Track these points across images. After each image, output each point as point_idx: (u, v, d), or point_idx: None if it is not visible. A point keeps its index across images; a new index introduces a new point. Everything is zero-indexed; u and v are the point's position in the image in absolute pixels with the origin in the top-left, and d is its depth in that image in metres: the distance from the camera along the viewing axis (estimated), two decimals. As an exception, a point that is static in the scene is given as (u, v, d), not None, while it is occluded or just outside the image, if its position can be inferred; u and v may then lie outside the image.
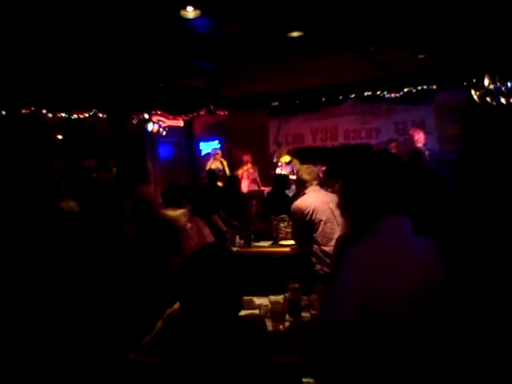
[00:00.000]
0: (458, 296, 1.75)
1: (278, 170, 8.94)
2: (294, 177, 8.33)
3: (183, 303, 2.07)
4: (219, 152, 10.00)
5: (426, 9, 4.76)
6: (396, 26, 5.18)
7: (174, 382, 1.99)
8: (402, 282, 1.59)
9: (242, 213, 6.71)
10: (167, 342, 2.13)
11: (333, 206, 4.25)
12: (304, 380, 2.42)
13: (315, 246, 4.33)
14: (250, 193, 8.78)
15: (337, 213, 4.18)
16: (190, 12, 4.34)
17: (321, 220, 4.32)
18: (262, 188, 9.00)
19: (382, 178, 1.68)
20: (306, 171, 4.59)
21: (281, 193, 6.73)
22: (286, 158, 9.07)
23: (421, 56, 6.00)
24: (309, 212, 4.31)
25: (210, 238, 4.55)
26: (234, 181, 7.44)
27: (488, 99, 7.31)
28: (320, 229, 4.31)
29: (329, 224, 4.30)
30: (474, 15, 5.16)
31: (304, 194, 4.52)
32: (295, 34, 5.38)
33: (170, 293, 2.74)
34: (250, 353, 2.01)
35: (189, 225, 4.38)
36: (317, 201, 4.36)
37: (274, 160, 9.29)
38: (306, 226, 4.34)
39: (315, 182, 4.54)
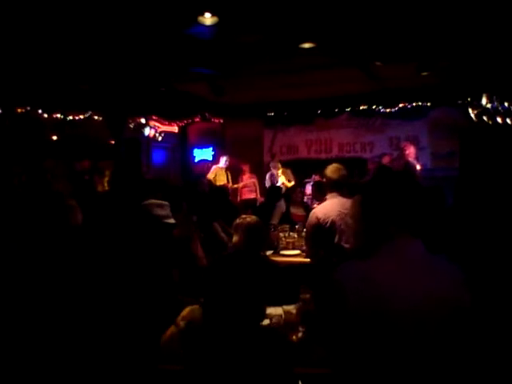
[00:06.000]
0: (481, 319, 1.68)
1: (280, 180, 8.78)
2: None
3: (208, 309, 2.03)
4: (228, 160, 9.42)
5: (433, 25, 4.85)
6: (405, 42, 5.23)
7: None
8: (391, 307, 1.49)
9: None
10: (188, 349, 2.09)
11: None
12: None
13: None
14: (246, 201, 8.72)
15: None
16: (208, 18, 4.30)
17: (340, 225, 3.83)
18: (259, 197, 8.94)
19: (396, 197, 1.61)
20: (333, 171, 4.01)
21: (272, 204, 6.73)
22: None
23: (424, 73, 6.06)
24: (327, 222, 3.89)
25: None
26: (222, 192, 7.20)
27: (485, 118, 7.44)
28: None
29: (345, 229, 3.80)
30: (473, 35, 5.24)
31: (325, 199, 4.09)
32: (307, 45, 5.39)
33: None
34: (272, 363, 1.98)
35: None
36: (334, 210, 3.90)
37: (272, 171, 9.03)
38: (327, 233, 3.90)
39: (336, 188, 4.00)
